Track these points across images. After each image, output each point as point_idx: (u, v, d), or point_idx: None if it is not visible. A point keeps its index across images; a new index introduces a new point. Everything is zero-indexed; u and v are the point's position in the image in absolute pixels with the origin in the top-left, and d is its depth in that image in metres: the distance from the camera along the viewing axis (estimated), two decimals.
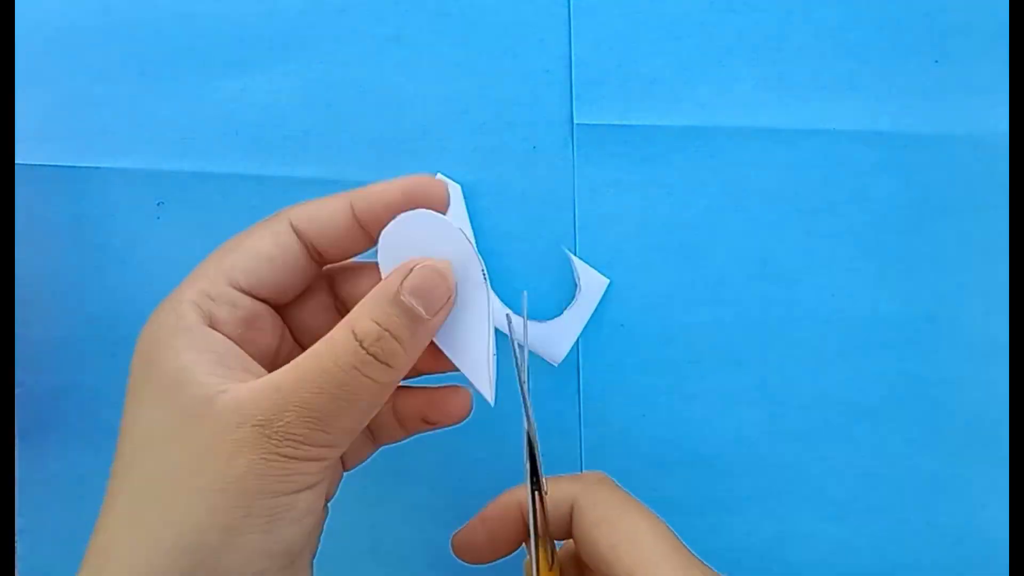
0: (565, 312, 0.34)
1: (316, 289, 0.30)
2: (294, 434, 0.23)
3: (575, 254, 0.34)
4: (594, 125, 0.34)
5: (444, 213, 0.28)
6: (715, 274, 0.35)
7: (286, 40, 0.34)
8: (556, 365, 0.34)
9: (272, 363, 0.27)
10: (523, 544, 0.30)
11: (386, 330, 0.24)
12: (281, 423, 0.23)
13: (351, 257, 0.29)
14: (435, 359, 0.28)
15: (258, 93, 0.34)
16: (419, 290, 0.25)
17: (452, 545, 0.30)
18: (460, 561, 0.30)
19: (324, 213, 0.28)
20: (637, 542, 0.26)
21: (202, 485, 0.23)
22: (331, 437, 0.24)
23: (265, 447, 0.23)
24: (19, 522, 0.36)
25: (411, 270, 0.25)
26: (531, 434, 0.28)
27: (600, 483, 0.29)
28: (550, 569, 0.29)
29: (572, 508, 0.28)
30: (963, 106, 0.34)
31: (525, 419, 0.28)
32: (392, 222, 0.27)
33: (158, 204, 0.35)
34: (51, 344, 0.35)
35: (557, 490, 0.29)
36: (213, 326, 0.26)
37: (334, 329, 0.25)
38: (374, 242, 0.28)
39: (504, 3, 0.34)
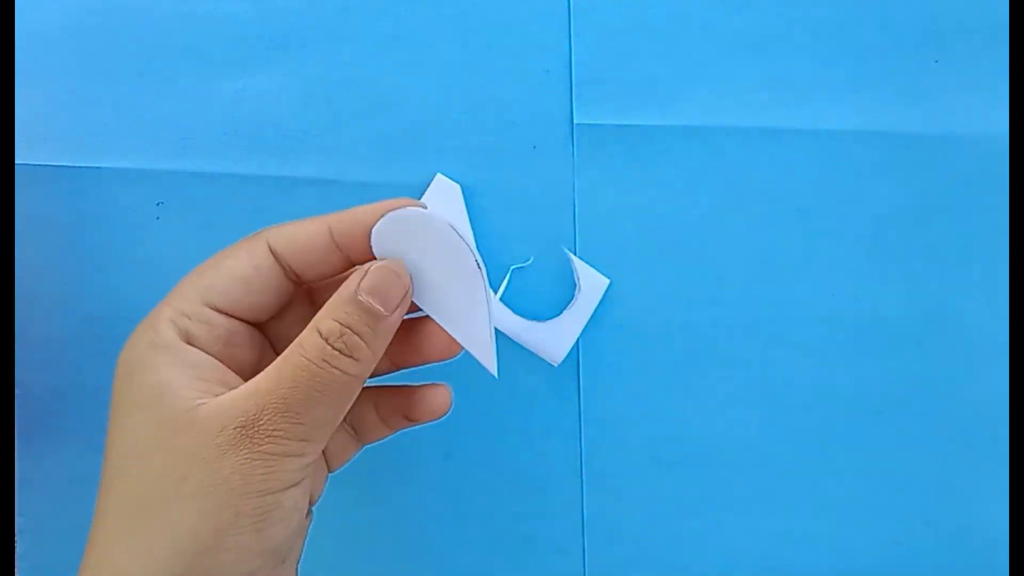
0: (565, 312, 0.34)
1: (296, 302, 0.30)
2: (273, 430, 0.24)
3: (575, 254, 0.34)
4: (594, 125, 0.34)
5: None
6: (715, 274, 0.35)
7: (286, 40, 0.34)
8: (556, 365, 0.34)
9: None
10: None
11: (347, 327, 0.26)
12: (261, 422, 0.24)
13: (328, 278, 0.30)
14: (410, 354, 0.30)
15: (258, 93, 0.34)
16: (375, 289, 0.26)
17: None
18: None
19: (302, 236, 0.28)
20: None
21: (190, 490, 0.24)
22: (307, 429, 0.25)
23: (248, 447, 0.24)
24: (19, 522, 0.36)
25: (367, 271, 0.26)
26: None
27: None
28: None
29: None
30: (963, 106, 0.34)
31: None
32: (380, 221, 0.27)
33: (158, 204, 0.35)
34: (51, 344, 0.35)
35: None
36: (191, 343, 0.26)
37: (303, 332, 0.26)
38: (352, 264, 0.28)
39: (504, 3, 0.34)
